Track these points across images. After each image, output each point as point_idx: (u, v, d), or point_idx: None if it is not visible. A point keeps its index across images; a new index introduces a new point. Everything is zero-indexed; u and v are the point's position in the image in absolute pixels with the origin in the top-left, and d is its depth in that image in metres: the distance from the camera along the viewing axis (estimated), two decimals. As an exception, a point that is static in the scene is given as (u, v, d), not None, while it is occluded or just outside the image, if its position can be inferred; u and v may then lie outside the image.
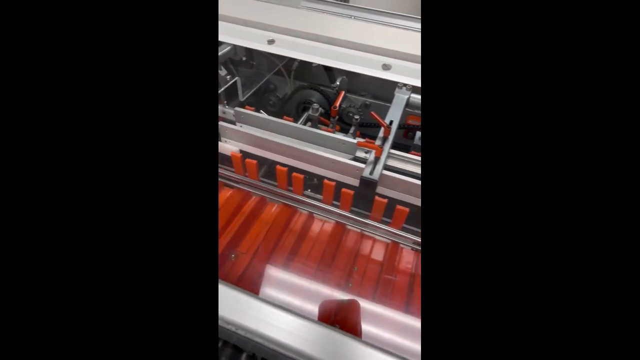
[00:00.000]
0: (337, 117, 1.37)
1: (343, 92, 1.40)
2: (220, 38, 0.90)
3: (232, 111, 1.17)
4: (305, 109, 1.64)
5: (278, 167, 1.06)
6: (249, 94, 1.29)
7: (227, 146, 1.11)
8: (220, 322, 0.54)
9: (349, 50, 1.08)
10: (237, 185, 1.14)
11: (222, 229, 1.01)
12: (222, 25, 0.94)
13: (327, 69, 1.45)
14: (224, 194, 1.11)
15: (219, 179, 1.12)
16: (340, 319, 0.82)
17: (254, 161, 1.05)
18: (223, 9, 0.95)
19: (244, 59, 1.26)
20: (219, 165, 1.13)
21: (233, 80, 1.13)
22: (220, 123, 1.10)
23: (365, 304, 0.86)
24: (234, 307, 0.54)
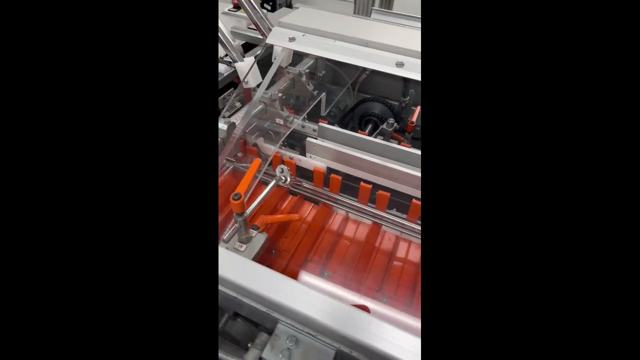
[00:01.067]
0: (412, 132, 1.35)
1: (419, 107, 1.38)
2: (339, 58, 0.88)
3: (311, 125, 1.16)
4: (368, 122, 1.62)
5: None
6: (329, 108, 1.28)
7: (313, 162, 1.10)
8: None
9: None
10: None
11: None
12: (333, 43, 0.92)
13: (405, 81, 1.43)
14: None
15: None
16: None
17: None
18: (340, 29, 0.93)
19: (323, 72, 1.25)
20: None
21: (321, 96, 1.12)
22: (308, 139, 1.09)
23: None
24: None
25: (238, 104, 1.21)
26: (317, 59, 1.19)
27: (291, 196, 1.16)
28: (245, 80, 1.03)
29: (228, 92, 1.16)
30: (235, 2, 1.53)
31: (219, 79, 1.09)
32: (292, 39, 0.92)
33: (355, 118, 1.64)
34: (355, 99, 1.63)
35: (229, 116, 1.14)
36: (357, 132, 1.12)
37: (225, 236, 0.75)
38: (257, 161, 0.81)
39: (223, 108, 1.16)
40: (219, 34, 0.99)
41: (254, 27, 1.39)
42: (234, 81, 1.20)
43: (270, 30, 1.12)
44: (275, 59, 1.07)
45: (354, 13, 2.87)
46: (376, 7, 2.74)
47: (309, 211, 1.12)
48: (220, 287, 0.70)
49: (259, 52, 1.28)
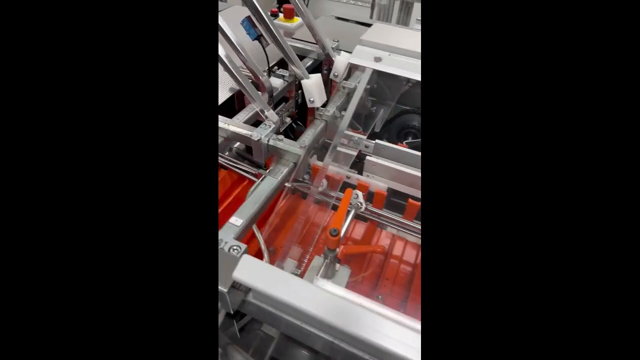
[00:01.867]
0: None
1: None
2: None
3: (365, 142, 1.10)
4: (408, 134, 1.57)
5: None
6: (382, 123, 1.23)
7: (374, 182, 1.05)
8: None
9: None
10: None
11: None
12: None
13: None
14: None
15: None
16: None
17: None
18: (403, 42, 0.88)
19: (375, 85, 1.20)
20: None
21: (380, 112, 1.07)
22: (367, 158, 1.04)
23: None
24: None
25: (288, 120, 1.15)
26: (374, 72, 1.13)
27: (381, 230, 1.08)
28: (311, 99, 0.97)
29: (280, 107, 1.10)
30: (273, 9, 1.46)
31: (275, 93, 1.03)
32: (378, 59, 0.87)
33: (393, 130, 1.59)
34: (393, 110, 1.58)
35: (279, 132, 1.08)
36: (396, 144, 1.07)
37: (319, 274, 0.70)
38: (349, 191, 0.75)
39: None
40: (286, 51, 0.93)
41: (297, 38, 1.34)
42: (285, 96, 1.14)
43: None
44: (335, 75, 1.01)
45: (371, 18, 2.83)
46: (396, 12, 2.71)
47: (402, 248, 1.04)
48: (314, 330, 0.64)
49: (309, 63, 1.22)
